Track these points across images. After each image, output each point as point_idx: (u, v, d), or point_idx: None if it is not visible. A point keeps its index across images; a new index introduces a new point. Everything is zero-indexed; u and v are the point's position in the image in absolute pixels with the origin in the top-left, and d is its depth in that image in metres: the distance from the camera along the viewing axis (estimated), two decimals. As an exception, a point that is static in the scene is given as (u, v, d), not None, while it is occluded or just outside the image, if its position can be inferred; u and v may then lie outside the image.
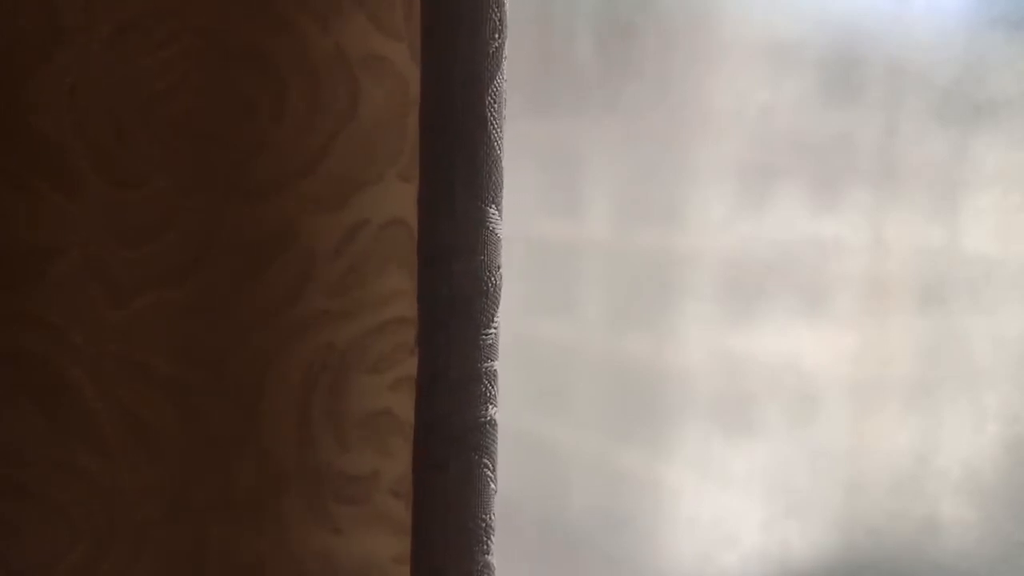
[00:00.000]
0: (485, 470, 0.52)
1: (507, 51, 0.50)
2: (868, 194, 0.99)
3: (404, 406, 0.60)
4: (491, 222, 0.50)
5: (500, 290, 0.51)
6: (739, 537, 1.02)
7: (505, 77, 0.50)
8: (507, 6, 0.50)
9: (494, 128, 0.49)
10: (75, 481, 0.57)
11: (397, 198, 0.59)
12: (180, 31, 0.55)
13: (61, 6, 0.53)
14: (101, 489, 0.57)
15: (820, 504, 1.03)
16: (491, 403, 0.52)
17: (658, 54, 0.92)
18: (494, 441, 0.52)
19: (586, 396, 0.99)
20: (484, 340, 0.51)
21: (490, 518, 0.52)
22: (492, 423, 0.52)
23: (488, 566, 0.52)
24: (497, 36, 0.49)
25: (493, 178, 0.50)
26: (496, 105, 0.50)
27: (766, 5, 0.94)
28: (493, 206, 0.50)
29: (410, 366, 0.60)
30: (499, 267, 0.51)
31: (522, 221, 0.80)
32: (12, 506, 0.57)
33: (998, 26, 0.96)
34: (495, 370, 0.51)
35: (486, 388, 0.51)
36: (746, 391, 1.01)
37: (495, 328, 0.51)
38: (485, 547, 0.52)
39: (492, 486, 0.52)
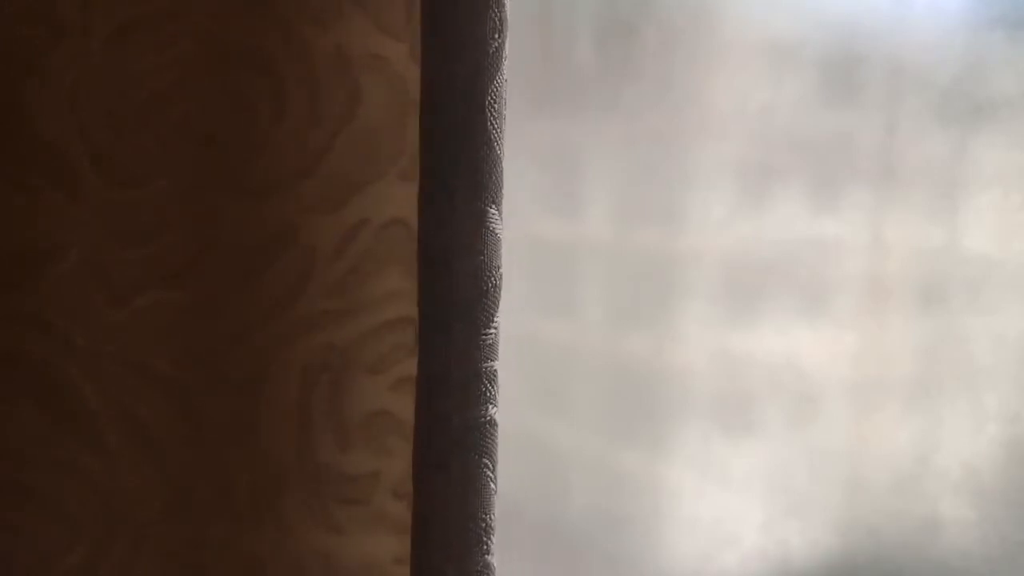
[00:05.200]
0: (485, 470, 0.52)
1: (507, 51, 0.50)
2: (868, 194, 0.99)
3: (404, 406, 0.60)
4: (491, 222, 0.50)
5: (500, 290, 0.51)
6: (739, 537, 1.02)
7: (505, 77, 0.50)
8: (507, 6, 0.50)
9: (494, 128, 0.49)
10: (75, 481, 0.57)
11: (397, 198, 0.59)
12: (180, 31, 0.55)
13: (61, 6, 0.53)
14: (101, 489, 0.57)
15: (820, 504, 1.03)
16: (491, 403, 0.52)
17: (658, 54, 0.92)
18: (494, 441, 0.52)
19: (586, 396, 0.99)
20: (484, 340, 0.51)
21: (490, 518, 0.52)
22: (492, 423, 0.52)
23: (488, 566, 0.52)
24: (497, 36, 0.49)
25: (493, 178, 0.50)
26: (496, 105, 0.50)
27: (766, 5, 0.94)
28: (493, 206, 0.50)
29: (410, 366, 0.60)
30: (499, 267, 0.51)
31: (522, 221, 0.80)
32: (12, 506, 0.57)
33: (998, 26, 0.96)
34: (495, 370, 0.51)
35: (486, 388, 0.51)
36: (746, 391, 1.01)
37: (495, 328, 0.51)
38: (485, 547, 0.52)
39: (492, 486, 0.52)
